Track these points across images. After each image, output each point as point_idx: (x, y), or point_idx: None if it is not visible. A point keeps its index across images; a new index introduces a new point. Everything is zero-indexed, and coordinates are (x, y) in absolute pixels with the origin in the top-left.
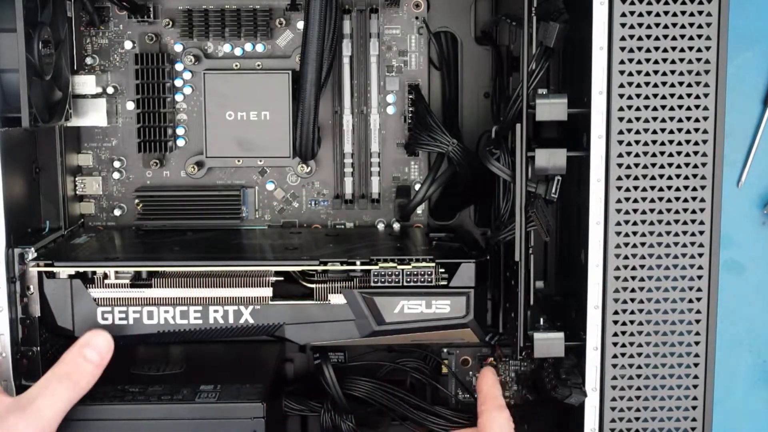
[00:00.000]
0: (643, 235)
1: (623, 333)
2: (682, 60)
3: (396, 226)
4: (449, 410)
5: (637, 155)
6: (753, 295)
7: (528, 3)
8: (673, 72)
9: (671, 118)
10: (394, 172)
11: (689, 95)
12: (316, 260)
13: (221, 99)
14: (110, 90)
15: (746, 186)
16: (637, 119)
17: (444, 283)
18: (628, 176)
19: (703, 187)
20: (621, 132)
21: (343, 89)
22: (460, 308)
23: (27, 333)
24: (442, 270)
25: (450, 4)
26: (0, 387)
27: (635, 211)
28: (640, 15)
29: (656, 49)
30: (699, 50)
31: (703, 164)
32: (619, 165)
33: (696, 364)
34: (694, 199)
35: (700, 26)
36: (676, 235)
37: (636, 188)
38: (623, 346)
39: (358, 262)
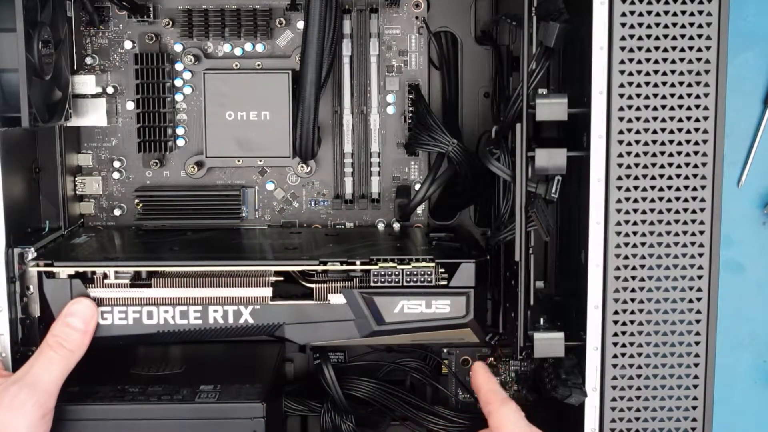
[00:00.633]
0: (643, 235)
1: (623, 333)
2: (682, 60)
3: (396, 226)
4: (449, 410)
5: (637, 155)
6: (753, 295)
7: (528, 3)
8: (673, 72)
9: (671, 118)
10: (394, 172)
11: (689, 95)
12: (316, 260)
13: (221, 99)
14: (110, 90)
15: (746, 186)
16: (637, 119)
17: (444, 283)
18: (628, 176)
19: (703, 187)
20: (621, 132)
21: (343, 89)
22: (460, 308)
23: (27, 333)
24: (442, 270)
25: (450, 4)
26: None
27: (635, 211)
28: (640, 15)
29: (656, 49)
30: (699, 50)
31: (703, 164)
32: (619, 165)
33: (696, 364)
34: (694, 199)
35: (700, 26)
36: (676, 235)
37: (636, 188)
38: (623, 346)
39: (358, 262)
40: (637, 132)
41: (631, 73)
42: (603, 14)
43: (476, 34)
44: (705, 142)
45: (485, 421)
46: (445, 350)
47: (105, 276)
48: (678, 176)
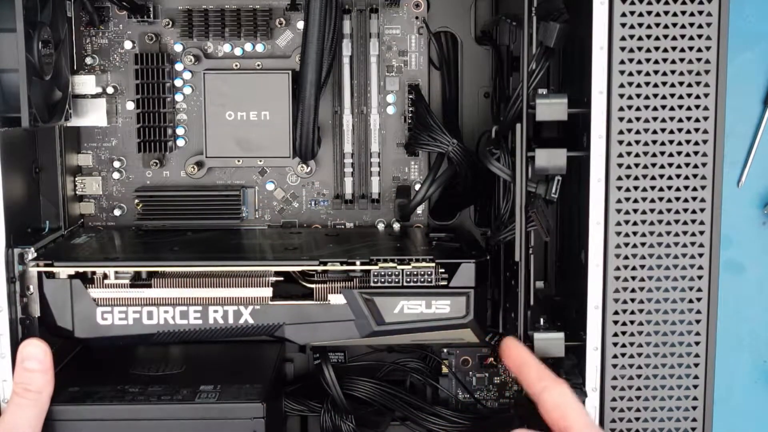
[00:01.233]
0: (643, 235)
1: (623, 333)
2: (682, 60)
3: (396, 226)
4: (449, 410)
5: (637, 155)
6: (753, 295)
7: (528, 3)
8: (673, 72)
9: (671, 118)
10: (394, 172)
11: (689, 95)
12: (316, 260)
13: (221, 99)
14: (110, 90)
15: (746, 186)
16: (637, 119)
17: (444, 283)
18: (628, 176)
19: (703, 187)
20: (621, 132)
21: (343, 89)
22: (460, 308)
23: (27, 333)
24: (442, 270)
25: (450, 4)
26: None
27: (635, 211)
28: (640, 15)
29: (656, 49)
30: (699, 50)
31: (703, 164)
32: (619, 165)
33: (696, 364)
34: (694, 199)
35: (700, 26)
36: (676, 235)
37: (636, 188)
38: (623, 346)
39: (358, 262)
40: (637, 132)
41: (631, 73)
42: (603, 14)
43: (476, 34)
44: (705, 142)
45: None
46: (445, 350)
47: (105, 276)
48: (678, 176)
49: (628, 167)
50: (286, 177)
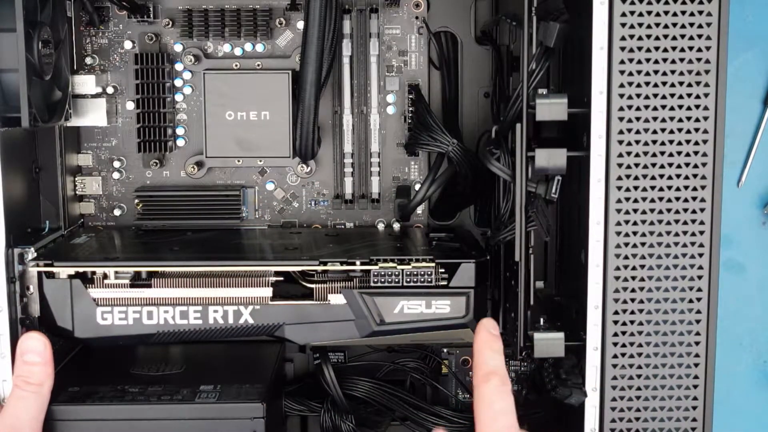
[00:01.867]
0: (643, 235)
1: (623, 333)
2: (682, 60)
3: (396, 226)
4: (449, 410)
5: (637, 155)
6: (753, 295)
7: (528, 3)
8: (673, 72)
9: (671, 118)
10: (394, 172)
11: (689, 95)
12: (316, 260)
13: (221, 99)
14: (110, 90)
15: (746, 186)
16: (637, 119)
17: (444, 283)
18: (628, 176)
19: (703, 187)
20: (621, 132)
21: (343, 89)
22: (460, 308)
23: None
24: (442, 270)
25: (450, 4)
26: None
27: (635, 211)
28: (640, 15)
29: (656, 49)
30: (699, 50)
31: (703, 164)
32: (619, 165)
33: (696, 364)
34: (694, 199)
35: (700, 26)
36: (676, 235)
37: (636, 188)
38: (623, 346)
39: (358, 262)
40: (637, 132)
41: (631, 73)
42: (603, 14)
43: (476, 34)
44: (705, 142)
45: None
46: (445, 350)
47: (105, 276)
48: (678, 176)
49: (628, 167)
50: (286, 177)
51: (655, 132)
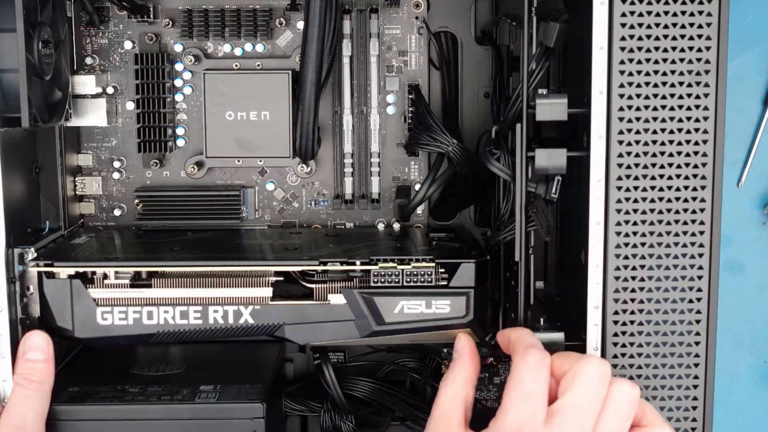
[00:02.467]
0: (643, 235)
1: (623, 333)
2: (682, 60)
3: (396, 226)
4: None
5: (637, 155)
6: (753, 295)
7: (528, 3)
8: (673, 72)
9: (671, 118)
10: (394, 172)
11: (689, 95)
12: (316, 260)
13: (221, 99)
14: (110, 90)
15: (746, 186)
16: (637, 119)
17: (444, 283)
18: (628, 176)
19: (703, 187)
20: (621, 132)
21: (343, 89)
22: (460, 308)
23: (26, 333)
24: (442, 270)
25: (450, 4)
26: None
27: (635, 211)
28: (640, 15)
29: (656, 49)
30: (699, 50)
31: (703, 164)
32: (619, 165)
33: (696, 364)
34: (694, 199)
35: (700, 26)
36: (676, 235)
37: (636, 188)
38: (623, 346)
39: (358, 262)
40: (637, 132)
41: (631, 73)
42: (603, 14)
43: (476, 34)
44: (705, 142)
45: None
46: (445, 350)
47: (105, 276)
48: (678, 176)
49: (628, 167)
50: (286, 177)
51: (655, 132)
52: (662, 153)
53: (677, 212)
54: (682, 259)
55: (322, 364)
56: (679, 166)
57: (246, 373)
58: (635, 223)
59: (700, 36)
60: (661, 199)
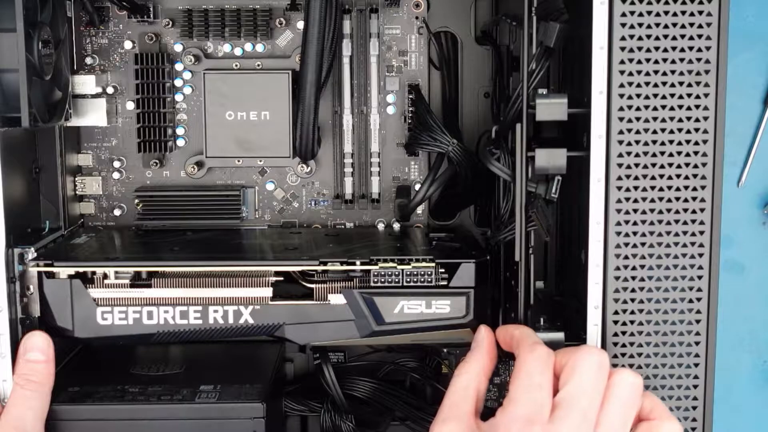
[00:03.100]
0: (643, 235)
1: (623, 333)
2: (682, 60)
3: (396, 226)
4: None
5: (637, 155)
6: (753, 295)
7: (528, 3)
8: (673, 72)
9: (671, 118)
10: (394, 172)
11: (689, 95)
12: (316, 260)
13: (221, 99)
14: (110, 90)
15: (746, 186)
16: (637, 119)
17: (444, 283)
18: (628, 176)
19: (703, 187)
20: (621, 132)
21: (343, 89)
22: (460, 308)
23: (27, 333)
24: (442, 270)
25: (450, 4)
26: None
27: (635, 211)
28: (640, 15)
29: (656, 49)
30: (699, 50)
31: (703, 164)
32: (619, 165)
33: (696, 364)
34: (694, 199)
35: (700, 26)
36: (676, 235)
37: (636, 188)
38: (623, 346)
39: (358, 262)
40: (637, 132)
41: (631, 73)
42: (603, 14)
43: (476, 34)
44: (705, 142)
45: None
46: (445, 350)
47: (105, 276)
48: (678, 176)
49: (628, 167)
50: (286, 177)
51: (655, 132)
52: (662, 153)
53: (677, 212)
54: (682, 259)
55: (322, 364)
56: (679, 166)
57: (246, 373)
58: (635, 223)
59: (700, 36)
60: (661, 199)
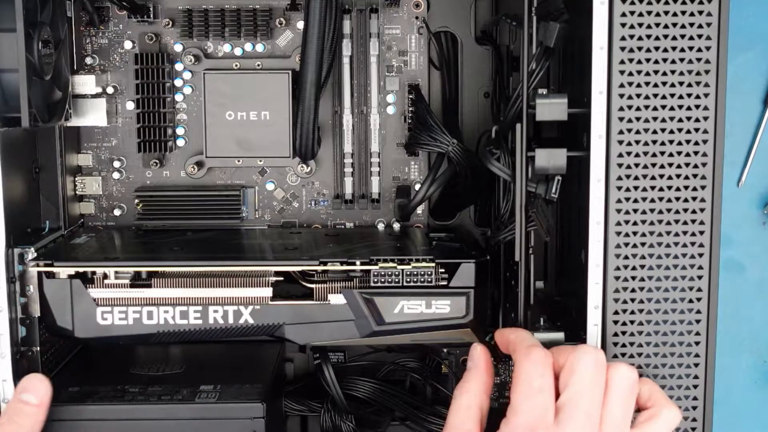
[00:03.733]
0: (643, 235)
1: (623, 333)
2: (682, 60)
3: (396, 226)
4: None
5: (637, 155)
6: (753, 295)
7: (528, 3)
8: (673, 72)
9: (671, 118)
10: (394, 172)
11: (689, 95)
12: (316, 260)
13: (221, 99)
14: (110, 90)
15: (746, 186)
16: (637, 119)
17: (444, 283)
18: (628, 176)
19: (703, 187)
20: (621, 132)
21: (343, 89)
22: (460, 308)
23: (26, 333)
24: (442, 270)
25: (450, 4)
26: None
27: (635, 211)
28: (640, 15)
29: (656, 49)
30: (699, 50)
31: (703, 164)
32: (619, 165)
33: (696, 364)
34: (694, 199)
35: (700, 26)
36: (676, 235)
37: (636, 188)
38: (623, 346)
39: (358, 262)
40: (637, 132)
41: (631, 73)
42: (603, 14)
43: (476, 34)
44: (705, 142)
45: None
46: (445, 350)
47: (105, 276)
48: (678, 176)
49: (628, 167)
50: (286, 177)
51: (655, 132)
52: (662, 153)
53: (677, 212)
54: (682, 259)
55: (322, 364)
56: (679, 166)
57: (246, 373)
58: (635, 223)
59: (700, 36)
60: (661, 199)
